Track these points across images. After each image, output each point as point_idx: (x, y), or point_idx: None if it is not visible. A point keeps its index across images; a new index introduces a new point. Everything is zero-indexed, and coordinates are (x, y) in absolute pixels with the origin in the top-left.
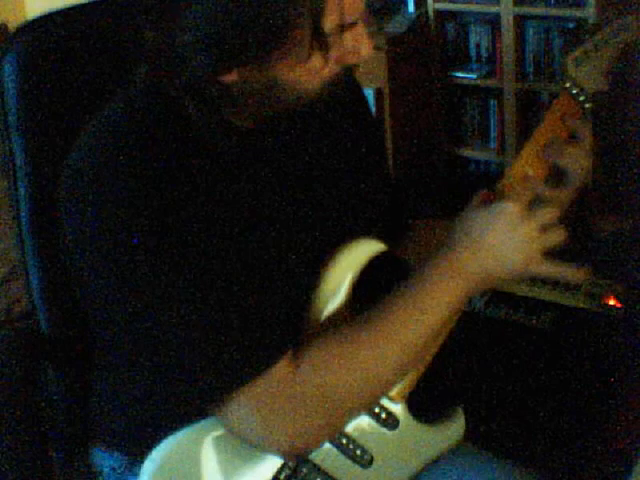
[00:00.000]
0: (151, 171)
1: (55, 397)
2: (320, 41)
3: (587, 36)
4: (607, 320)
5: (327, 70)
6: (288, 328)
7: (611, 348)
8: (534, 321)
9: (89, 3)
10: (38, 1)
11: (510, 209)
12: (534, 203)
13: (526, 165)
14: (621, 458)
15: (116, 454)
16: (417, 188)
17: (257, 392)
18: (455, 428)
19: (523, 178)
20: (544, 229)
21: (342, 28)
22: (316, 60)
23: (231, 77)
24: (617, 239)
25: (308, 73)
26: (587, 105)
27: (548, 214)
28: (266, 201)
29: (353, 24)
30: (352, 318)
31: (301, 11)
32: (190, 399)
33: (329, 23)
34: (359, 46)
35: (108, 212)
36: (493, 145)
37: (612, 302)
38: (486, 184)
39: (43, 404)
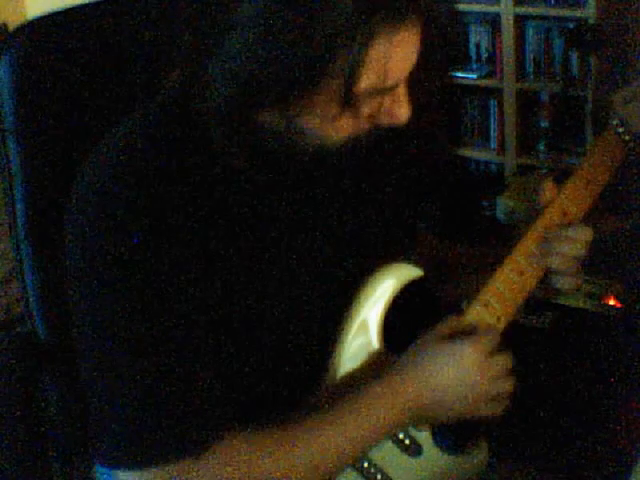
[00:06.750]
0: (155, 205)
1: (52, 404)
2: (351, 102)
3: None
4: (607, 320)
5: (355, 127)
6: (224, 414)
7: (611, 348)
8: (534, 321)
9: (89, 3)
10: (38, 1)
11: (472, 355)
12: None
13: (568, 201)
14: (621, 458)
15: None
16: (417, 189)
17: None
18: (477, 462)
19: (563, 215)
20: (497, 378)
21: (379, 91)
22: (344, 118)
23: (256, 116)
24: (617, 239)
25: (333, 128)
26: (631, 145)
27: (503, 362)
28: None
29: (393, 87)
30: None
31: (334, 68)
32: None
33: (365, 85)
34: (395, 109)
35: (100, 230)
36: (493, 145)
37: (612, 302)
38: (486, 189)
39: (41, 411)
